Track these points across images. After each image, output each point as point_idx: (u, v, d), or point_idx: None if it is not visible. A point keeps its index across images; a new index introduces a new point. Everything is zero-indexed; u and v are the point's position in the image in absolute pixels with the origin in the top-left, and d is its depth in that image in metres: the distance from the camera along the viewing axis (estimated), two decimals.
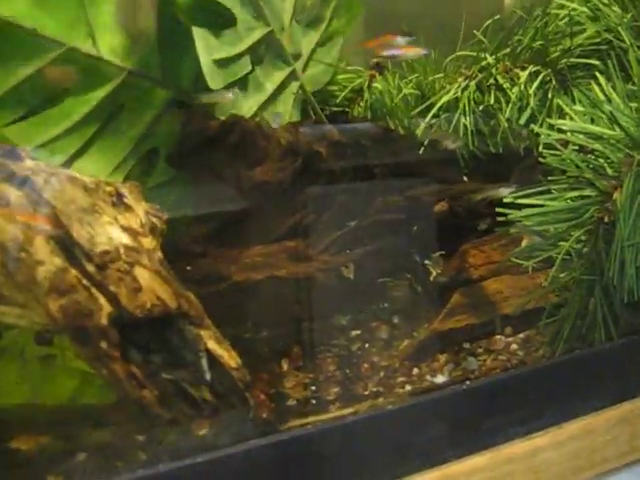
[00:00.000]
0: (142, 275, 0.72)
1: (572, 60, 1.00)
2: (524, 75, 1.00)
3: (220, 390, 0.72)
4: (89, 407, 0.99)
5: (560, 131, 0.85)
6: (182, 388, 0.73)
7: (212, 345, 0.72)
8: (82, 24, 0.92)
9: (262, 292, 0.88)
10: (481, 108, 1.04)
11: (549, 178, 0.87)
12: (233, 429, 0.72)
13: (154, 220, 0.84)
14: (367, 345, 0.93)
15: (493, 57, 1.05)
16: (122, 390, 0.70)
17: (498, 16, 1.04)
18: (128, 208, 0.82)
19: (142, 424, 0.81)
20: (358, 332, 0.95)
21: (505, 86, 1.03)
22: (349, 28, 1.12)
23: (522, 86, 1.00)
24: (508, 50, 1.05)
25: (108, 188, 0.83)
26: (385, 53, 1.01)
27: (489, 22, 1.05)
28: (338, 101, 1.08)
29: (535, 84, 0.99)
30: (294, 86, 1.03)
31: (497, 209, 0.85)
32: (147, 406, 0.70)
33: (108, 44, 0.94)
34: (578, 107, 0.86)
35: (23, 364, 0.99)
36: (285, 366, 0.90)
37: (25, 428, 0.89)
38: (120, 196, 0.83)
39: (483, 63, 1.07)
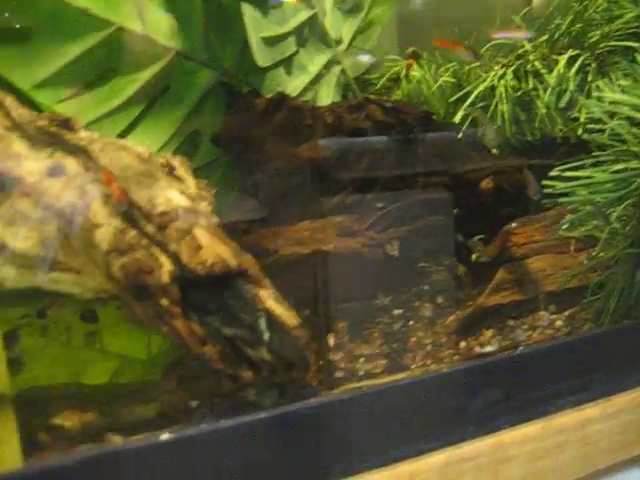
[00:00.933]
0: (201, 235, 0.73)
1: (612, 44, 1.02)
2: (563, 59, 1.02)
3: (279, 349, 0.73)
4: (129, 385, 0.99)
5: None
6: (240, 347, 0.73)
7: (271, 304, 0.73)
8: (131, 4, 0.95)
9: (309, 266, 0.89)
10: (519, 94, 1.06)
11: (594, 154, 0.88)
12: (291, 388, 0.73)
13: (203, 193, 0.85)
14: (413, 321, 0.94)
15: (531, 44, 1.07)
16: (184, 347, 0.71)
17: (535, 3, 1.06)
18: (179, 179, 0.83)
19: (183, 401, 0.82)
20: (403, 307, 0.96)
21: (543, 71, 1.05)
22: (386, 18, 1.14)
23: (561, 70, 1.02)
24: (545, 36, 1.07)
25: (160, 160, 0.85)
26: (499, 35, 1.08)
27: (526, 9, 1.08)
28: (377, 88, 1.10)
29: (575, 67, 1.01)
30: (336, 70, 1.05)
31: (544, 182, 0.86)
32: (209, 362, 0.70)
33: (156, 24, 0.96)
34: (622, 81, 0.87)
35: (67, 341, 1.00)
36: (332, 340, 0.91)
37: (68, 405, 0.90)
38: (171, 168, 0.84)
39: (520, 50, 1.09)
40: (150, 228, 0.74)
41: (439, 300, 0.98)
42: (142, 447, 0.65)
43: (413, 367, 0.87)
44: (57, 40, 0.92)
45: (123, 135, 0.97)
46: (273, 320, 0.73)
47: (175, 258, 0.72)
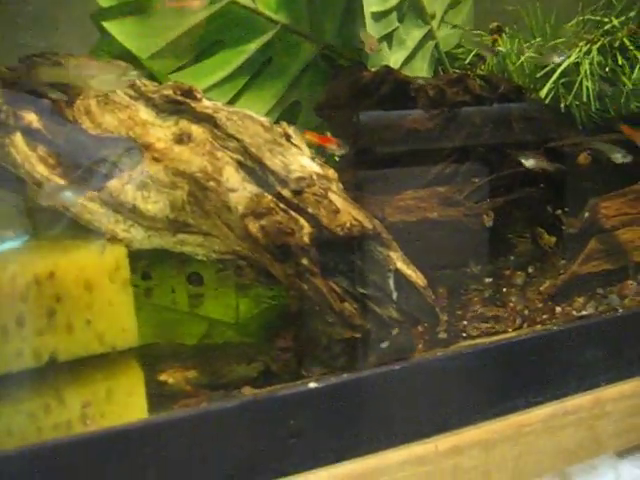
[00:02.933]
0: (336, 199, 0.82)
1: None
2: None
3: (407, 307, 0.82)
4: (225, 346, 1.08)
5: None
6: (369, 305, 0.83)
7: (401, 265, 0.82)
8: None
9: (415, 233, 0.99)
10: (607, 70, 1.14)
11: None
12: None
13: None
14: (509, 287, 1.03)
15: (618, 20, 1.15)
16: (324, 303, 0.80)
17: None
18: (297, 147, 0.92)
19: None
20: (500, 274, 1.05)
21: (631, 48, 1.13)
22: None
23: None
24: (634, 13, 1.16)
25: (278, 128, 0.94)
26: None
27: None
28: (467, 62, 1.18)
29: None
30: (430, 44, 1.14)
31: None
32: (349, 318, 0.80)
33: None
34: None
35: (172, 303, 1.09)
36: None
37: (169, 363, 0.99)
38: (288, 136, 0.93)
39: (607, 27, 1.17)
40: (287, 193, 0.83)
41: (531, 269, 1.08)
42: (294, 393, 0.75)
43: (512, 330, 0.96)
44: (173, 12, 1.00)
45: (229, 104, 1.06)
46: (402, 280, 0.83)
47: (314, 220, 0.81)
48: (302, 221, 0.81)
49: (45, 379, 0.87)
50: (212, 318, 1.12)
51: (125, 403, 0.91)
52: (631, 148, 1.04)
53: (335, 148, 0.92)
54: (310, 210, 0.81)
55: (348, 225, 0.80)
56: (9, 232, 0.95)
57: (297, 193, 0.82)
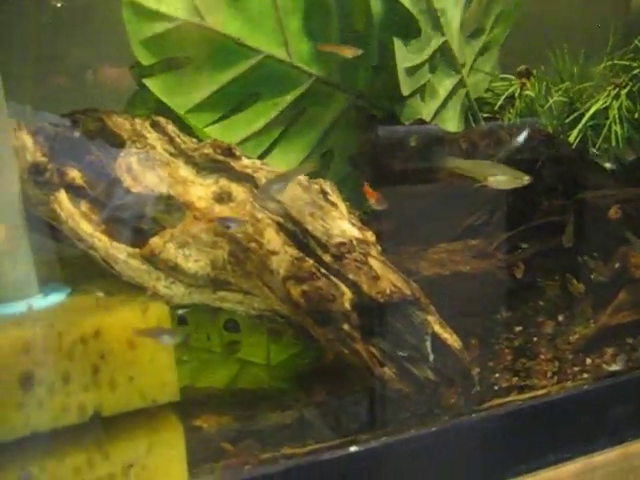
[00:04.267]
0: (376, 264, 0.87)
1: None
2: None
3: (443, 369, 0.87)
4: (258, 391, 1.12)
5: None
6: (406, 367, 0.87)
7: (438, 329, 0.86)
8: (278, 33, 1.07)
9: (449, 286, 1.03)
10: (636, 116, 1.18)
11: None
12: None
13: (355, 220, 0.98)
14: (539, 337, 1.08)
15: None
16: (365, 367, 0.84)
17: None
18: (333, 204, 0.96)
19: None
20: (530, 324, 1.09)
21: None
22: (502, 37, 1.26)
23: None
24: None
25: (315, 185, 0.98)
26: None
27: None
28: (496, 108, 1.22)
29: None
30: (461, 92, 1.17)
31: None
32: (388, 381, 0.84)
33: (298, 51, 1.09)
34: None
35: (208, 349, 1.13)
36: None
37: (205, 409, 1.04)
38: (325, 193, 0.97)
39: (635, 71, 1.21)
40: (327, 258, 0.87)
41: (561, 316, 1.12)
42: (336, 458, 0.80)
43: (544, 383, 1.00)
44: (211, 67, 1.04)
45: (263, 156, 1.10)
46: (438, 343, 0.87)
47: (355, 287, 0.85)
48: (343, 287, 0.85)
49: (89, 433, 0.92)
50: (245, 359, 1.16)
51: (166, 455, 0.95)
52: None
53: (376, 203, 0.96)
54: (351, 276, 0.85)
55: (388, 292, 0.84)
56: (53, 285, 0.99)
57: (338, 258, 0.86)
